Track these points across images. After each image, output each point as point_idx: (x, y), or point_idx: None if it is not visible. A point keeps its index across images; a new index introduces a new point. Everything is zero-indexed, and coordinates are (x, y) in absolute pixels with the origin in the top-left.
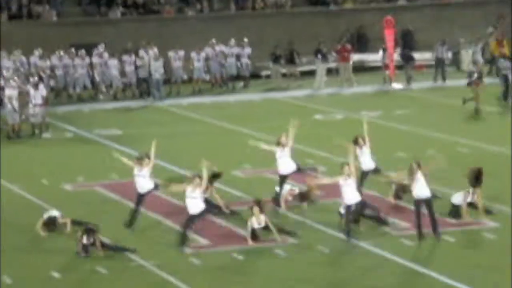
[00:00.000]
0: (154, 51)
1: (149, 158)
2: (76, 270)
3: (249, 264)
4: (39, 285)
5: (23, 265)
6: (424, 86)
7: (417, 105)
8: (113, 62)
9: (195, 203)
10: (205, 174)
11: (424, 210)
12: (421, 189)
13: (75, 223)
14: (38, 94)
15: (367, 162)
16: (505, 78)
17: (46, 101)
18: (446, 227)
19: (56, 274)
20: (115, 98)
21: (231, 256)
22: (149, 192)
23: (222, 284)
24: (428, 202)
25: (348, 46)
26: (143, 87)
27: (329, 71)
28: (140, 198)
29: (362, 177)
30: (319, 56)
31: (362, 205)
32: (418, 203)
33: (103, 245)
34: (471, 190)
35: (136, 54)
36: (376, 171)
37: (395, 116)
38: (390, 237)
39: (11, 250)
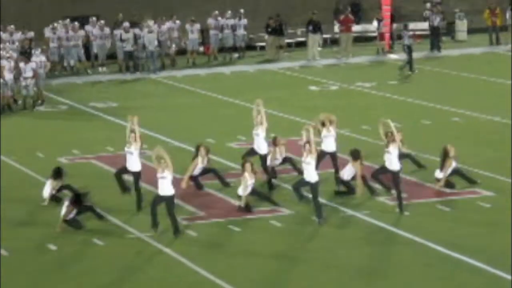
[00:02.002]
0: (147, 23)
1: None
2: (72, 242)
3: (244, 235)
4: (35, 257)
5: (19, 237)
6: (418, 56)
7: (411, 75)
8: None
9: (164, 184)
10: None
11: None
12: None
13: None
14: (28, 67)
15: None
16: (408, 49)
17: (36, 74)
18: (441, 197)
19: (52, 246)
20: (120, 70)
21: (227, 228)
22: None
23: (218, 255)
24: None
25: (351, 17)
26: (129, 60)
27: (324, 42)
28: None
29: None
30: (310, 27)
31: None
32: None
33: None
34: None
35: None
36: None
37: (389, 87)
38: (385, 206)
39: (7, 222)
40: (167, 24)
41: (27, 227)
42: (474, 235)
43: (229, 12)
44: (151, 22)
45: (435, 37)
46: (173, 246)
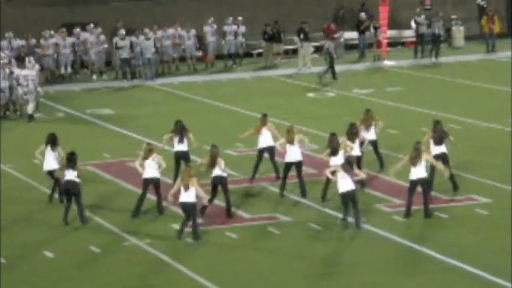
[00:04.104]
0: (145, 30)
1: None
2: (69, 249)
3: (242, 243)
4: (32, 265)
5: (15, 245)
6: (415, 63)
7: (409, 82)
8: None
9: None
10: None
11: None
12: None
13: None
14: (24, 74)
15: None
16: (330, 58)
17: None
18: (439, 203)
19: (49, 254)
20: (116, 78)
21: (225, 235)
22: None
23: (215, 262)
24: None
25: (332, 26)
26: (126, 68)
27: (320, 49)
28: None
29: None
30: (301, 35)
31: None
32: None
33: None
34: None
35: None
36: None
37: (387, 93)
38: (383, 213)
39: (4, 230)
40: (169, 31)
41: (23, 234)
42: (472, 241)
43: (231, 18)
44: (147, 30)
45: (436, 44)
46: (170, 254)
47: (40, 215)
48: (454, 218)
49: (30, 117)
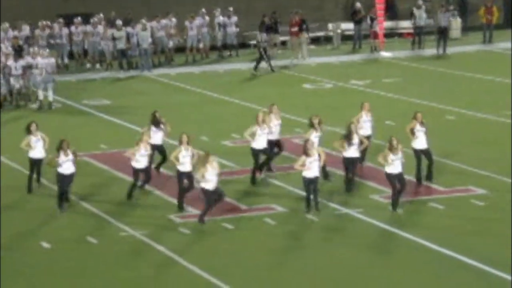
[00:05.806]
0: (142, 21)
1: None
2: (66, 240)
3: (238, 233)
4: (28, 255)
5: (12, 236)
6: (412, 54)
7: (406, 73)
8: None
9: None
10: None
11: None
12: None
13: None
14: (18, 65)
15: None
16: (264, 50)
17: (26, 72)
18: (435, 194)
19: (45, 244)
20: (107, 69)
21: (221, 226)
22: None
23: (211, 253)
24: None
25: (298, 20)
26: (122, 58)
27: (316, 40)
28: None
29: None
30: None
31: None
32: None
33: None
34: None
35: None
36: None
37: (383, 85)
38: (379, 204)
39: (0, 220)
40: (162, 22)
41: (20, 225)
42: (468, 232)
43: (219, 10)
44: (144, 20)
45: (442, 37)
46: (167, 244)
47: (36, 206)
48: (450, 209)
49: (49, 105)
